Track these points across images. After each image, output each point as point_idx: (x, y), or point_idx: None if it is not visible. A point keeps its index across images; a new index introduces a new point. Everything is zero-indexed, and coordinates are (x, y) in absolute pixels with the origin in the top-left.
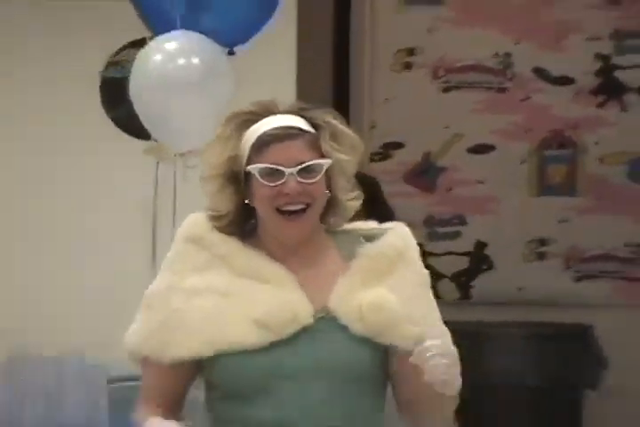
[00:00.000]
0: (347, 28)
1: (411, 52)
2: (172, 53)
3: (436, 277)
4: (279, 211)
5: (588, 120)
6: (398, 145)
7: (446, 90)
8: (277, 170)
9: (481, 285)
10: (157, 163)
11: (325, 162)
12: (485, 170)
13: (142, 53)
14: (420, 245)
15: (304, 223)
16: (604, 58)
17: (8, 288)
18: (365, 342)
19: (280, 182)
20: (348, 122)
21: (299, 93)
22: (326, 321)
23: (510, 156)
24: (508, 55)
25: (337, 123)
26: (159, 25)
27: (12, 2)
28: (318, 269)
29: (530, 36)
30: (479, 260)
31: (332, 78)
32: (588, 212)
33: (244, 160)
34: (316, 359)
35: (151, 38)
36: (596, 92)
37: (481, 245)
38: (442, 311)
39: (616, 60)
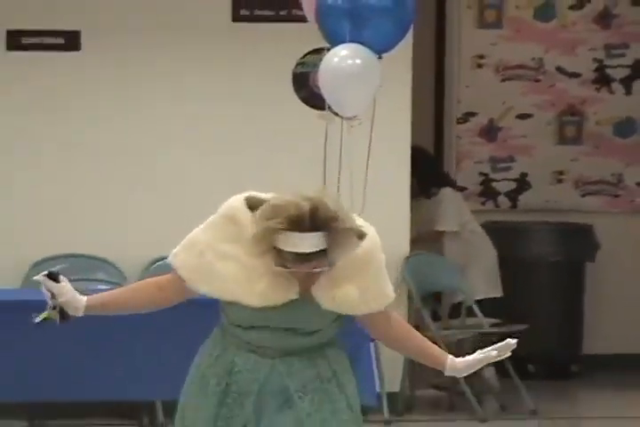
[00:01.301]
0: (443, 42)
1: (481, 57)
2: (344, 57)
3: (495, 194)
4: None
5: (589, 99)
6: (474, 114)
7: (503, 80)
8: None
9: (524, 198)
10: (326, 124)
11: (327, 268)
12: (526, 129)
13: (326, 57)
14: (486, 174)
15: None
16: (599, 61)
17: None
18: (331, 312)
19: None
20: (443, 101)
21: (414, 83)
22: (306, 298)
23: (542, 120)
24: (540, 59)
25: (345, 224)
26: (334, 39)
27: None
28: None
29: (554, 47)
30: (523, 183)
31: (434, 73)
32: (589, 154)
33: (276, 240)
34: (291, 320)
35: (329, 49)
36: (594, 82)
37: (524, 175)
38: (499, 216)
39: (606, 62)
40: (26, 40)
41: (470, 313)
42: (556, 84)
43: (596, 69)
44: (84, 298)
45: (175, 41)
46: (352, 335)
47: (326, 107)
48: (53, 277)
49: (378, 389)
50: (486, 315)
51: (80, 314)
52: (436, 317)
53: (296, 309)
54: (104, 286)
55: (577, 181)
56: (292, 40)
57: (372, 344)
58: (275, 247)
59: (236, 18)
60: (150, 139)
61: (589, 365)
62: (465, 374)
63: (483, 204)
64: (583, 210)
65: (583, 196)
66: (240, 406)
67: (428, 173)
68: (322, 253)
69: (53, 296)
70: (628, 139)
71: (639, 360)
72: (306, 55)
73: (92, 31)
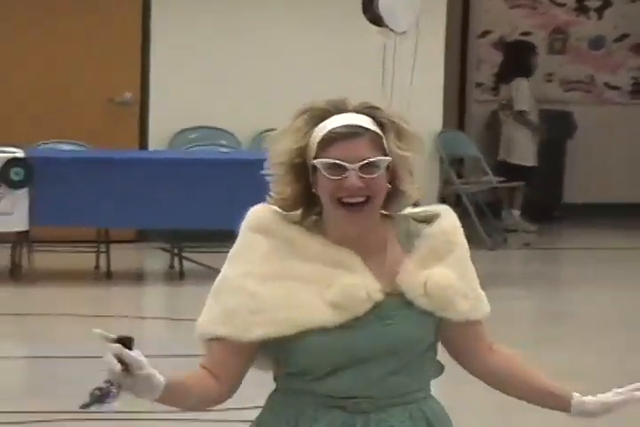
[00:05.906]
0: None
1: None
2: None
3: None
4: (341, 202)
5: (572, 22)
6: (490, 31)
7: (511, 8)
8: (340, 165)
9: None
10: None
11: (386, 159)
12: None
13: None
14: (497, 75)
15: (364, 216)
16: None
17: None
18: (427, 316)
19: (342, 177)
20: (468, 21)
21: (447, 10)
22: (393, 297)
23: (538, 37)
24: None
25: (401, 122)
26: None
27: None
28: (380, 252)
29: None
30: None
31: (462, 1)
32: (571, 62)
33: (313, 153)
34: (386, 339)
35: None
36: (575, 10)
37: None
38: None
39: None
40: None
41: (484, 173)
42: (549, 11)
43: (577, 1)
44: (162, 377)
45: None
46: None
47: (384, 25)
48: (126, 342)
49: None
50: (495, 175)
51: (156, 396)
52: (459, 175)
53: (387, 318)
54: (225, 150)
55: (562, 81)
56: None
57: None
58: (311, 165)
59: None
60: (267, 47)
61: (567, 211)
62: (598, 416)
63: (494, 95)
64: (566, 101)
65: (566, 91)
66: None
67: (513, 64)
68: (370, 140)
69: (127, 369)
70: (598, 51)
71: (602, 208)
72: None
73: None
